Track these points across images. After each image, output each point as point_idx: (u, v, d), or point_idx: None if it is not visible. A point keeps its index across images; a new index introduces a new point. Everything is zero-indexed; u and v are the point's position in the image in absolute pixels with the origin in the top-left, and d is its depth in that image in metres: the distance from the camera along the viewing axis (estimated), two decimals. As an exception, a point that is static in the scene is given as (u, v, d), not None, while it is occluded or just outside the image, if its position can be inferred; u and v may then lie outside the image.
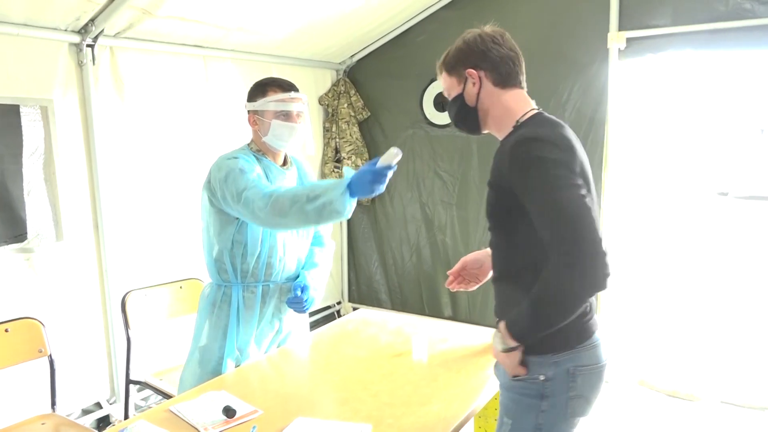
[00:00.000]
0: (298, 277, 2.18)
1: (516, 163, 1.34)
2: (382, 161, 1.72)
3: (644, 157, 3.51)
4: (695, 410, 3.22)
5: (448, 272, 1.75)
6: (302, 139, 2.09)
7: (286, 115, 2.03)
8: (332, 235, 4.42)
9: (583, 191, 1.30)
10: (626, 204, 3.51)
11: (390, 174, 1.73)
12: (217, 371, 2.05)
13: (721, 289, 3.41)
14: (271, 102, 2.02)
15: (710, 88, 3.28)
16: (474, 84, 1.48)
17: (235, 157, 1.99)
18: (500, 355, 1.44)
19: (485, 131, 1.56)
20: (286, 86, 2.05)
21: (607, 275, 1.26)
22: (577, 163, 1.35)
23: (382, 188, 1.75)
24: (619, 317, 3.61)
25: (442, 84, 1.58)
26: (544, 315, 1.33)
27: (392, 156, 1.71)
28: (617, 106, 3.45)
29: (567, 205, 1.26)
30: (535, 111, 1.48)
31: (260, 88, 2.05)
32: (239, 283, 2.07)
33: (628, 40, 3.36)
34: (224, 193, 1.93)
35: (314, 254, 2.28)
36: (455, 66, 1.51)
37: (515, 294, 1.41)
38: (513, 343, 1.39)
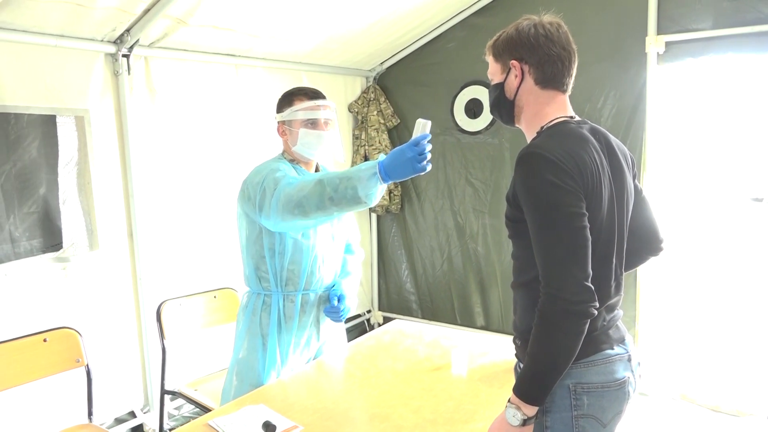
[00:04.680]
0: (334, 286, 2.16)
1: (518, 178, 1.29)
2: (414, 135, 1.67)
3: (680, 163, 3.42)
4: (741, 426, 3.10)
5: None
6: (331, 147, 2.06)
7: (313, 123, 2.01)
8: (362, 242, 4.45)
9: (581, 219, 1.25)
10: (663, 211, 3.41)
11: (429, 146, 1.67)
12: (256, 382, 2.02)
13: (764, 298, 3.29)
14: (298, 111, 2.00)
15: (750, 92, 3.18)
16: (516, 77, 1.41)
17: (271, 165, 1.99)
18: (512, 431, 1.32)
19: (518, 126, 1.50)
20: (312, 94, 2.03)
21: (585, 310, 1.22)
22: (584, 184, 1.27)
23: (427, 166, 1.68)
24: (659, 327, 3.51)
25: (489, 66, 1.51)
26: (539, 360, 1.28)
27: (422, 126, 1.66)
28: (656, 111, 3.36)
29: (557, 238, 1.24)
30: (562, 119, 1.40)
31: (287, 99, 2.05)
32: (279, 292, 2.05)
33: (667, 44, 3.28)
34: (263, 197, 1.86)
35: (347, 263, 2.27)
36: (502, 53, 1.44)
37: (528, 302, 1.35)
38: (528, 410, 1.29)
